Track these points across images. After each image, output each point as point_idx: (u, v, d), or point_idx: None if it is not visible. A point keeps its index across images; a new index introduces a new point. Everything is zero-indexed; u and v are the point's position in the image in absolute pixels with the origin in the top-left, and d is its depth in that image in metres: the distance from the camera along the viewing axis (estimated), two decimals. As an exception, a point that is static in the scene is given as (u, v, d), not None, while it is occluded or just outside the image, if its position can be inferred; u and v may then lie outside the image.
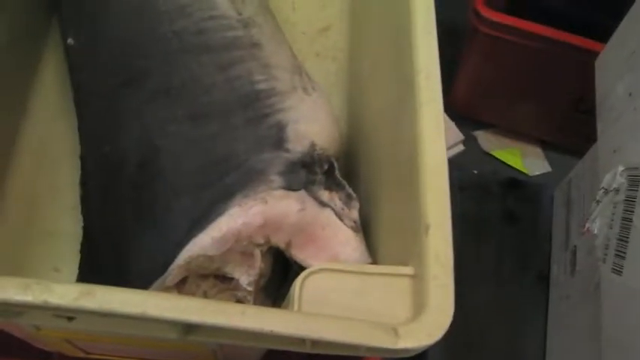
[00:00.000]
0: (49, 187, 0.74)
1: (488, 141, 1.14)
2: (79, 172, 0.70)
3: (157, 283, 0.54)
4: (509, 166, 1.11)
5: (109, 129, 0.65)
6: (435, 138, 0.52)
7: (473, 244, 0.96)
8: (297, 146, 0.60)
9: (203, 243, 0.53)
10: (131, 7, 0.70)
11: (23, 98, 0.80)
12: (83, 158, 0.68)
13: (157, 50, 0.67)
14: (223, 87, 0.63)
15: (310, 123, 0.63)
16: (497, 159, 1.11)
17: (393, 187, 0.59)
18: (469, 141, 1.12)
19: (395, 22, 0.65)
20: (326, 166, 0.61)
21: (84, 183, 0.67)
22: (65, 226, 0.72)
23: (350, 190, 0.60)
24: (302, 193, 0.57)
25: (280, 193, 0.56)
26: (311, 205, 0.57)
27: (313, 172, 0.59)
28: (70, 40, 0.72)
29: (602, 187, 0.71)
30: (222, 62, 0.65)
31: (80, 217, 0.68)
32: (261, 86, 0.64)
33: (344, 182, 0.61)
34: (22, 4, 0.79)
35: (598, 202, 0.72)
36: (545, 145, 1.15)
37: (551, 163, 1.13)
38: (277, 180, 0.57)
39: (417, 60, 0.55)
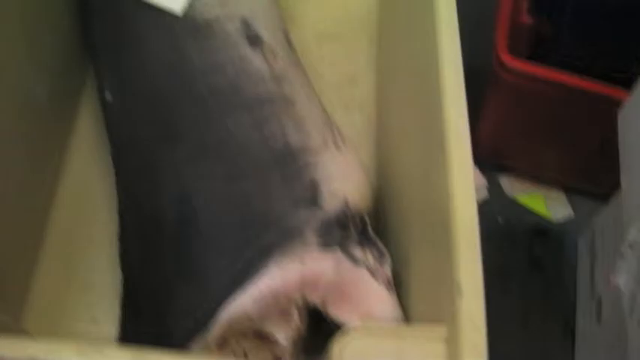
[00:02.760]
0: (87, 240, 0.76)
1: (511, 186, 1.15)
2: (116, 225, 0.72)
3: (198, 340, 0.55)
4: (532, 211, 1.12)
5: (148, 186, 0.67)
6: (467, 198, 0.53)
7: (498, 294, 0.97)
8: (331, 204, 0.61)
9: (243, 302, 0.55)
10: (166, 63, 0.72)
11: (60, 152, 0.82)
12: (121, 213, 0.70)
13: (193, 107, 0.68)
14: (258, 145, 0.65)
15: (343, 181, 0.65)
16: (521, 204, 1.12)
17: (423, 244, 0.61)
18: (492, 185, 1.14)
19: (423, 76, 0.67)
20: (359, 224, 0.62)
21: (123, 239, 0.69)
22: (102, 277, 0.73)
23: (382, 247, 0.62)
24: (337, 251, 0.59)
25: (316, 252, 0.58)
26: (345, 264, 0.59)
27: (347, 230, 0.61)
28: (107, 95, 0.74)
29: (628, 242, 0.72)
30: (256, 119, 0.67)
31: (117, 269, 0.70)
32: (295, 143, 0.66)
33: (376, 239, 0.63)
34: (60, 60, 0.81)
35: (623, 256, 0.73)
36: (569, 190, 1.16)
37: (574, 208, 1.13)
38: (313, 239, 0.59)
39: (448, 120, 0.57)
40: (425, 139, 0.63)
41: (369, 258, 0.60)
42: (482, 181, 1.03)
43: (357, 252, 0.60)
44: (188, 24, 0.72)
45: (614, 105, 0.86)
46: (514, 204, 1.11)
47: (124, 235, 0.69)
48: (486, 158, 1.09)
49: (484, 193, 1.04)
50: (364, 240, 0.62)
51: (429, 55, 0.62)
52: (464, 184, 0.54)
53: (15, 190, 0.72)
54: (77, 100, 0.85)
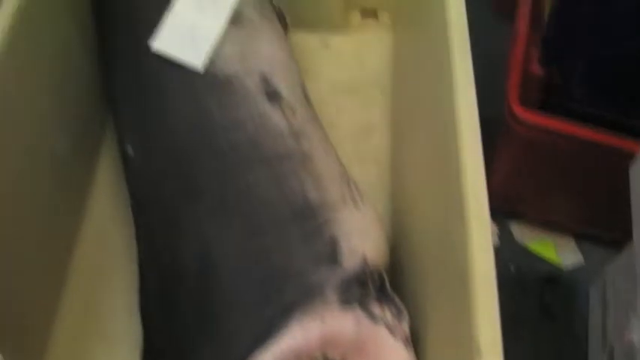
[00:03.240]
0: (107, 290, 0.78)
1: (522, 232, 1.16)
2: (136, 276, 0.73)
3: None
4: (543, 258, 1.13)
5: (168, 240, 0.68)
6: (485, 258, 0.55)
7: (510, 342, 0.98)
8: (350, 262, 0.63)
9: (265, 360, 0.56)
10: (187, 119, 0.73)
11: (80, 201, 0.83)
12: (141, 265, 0.71)
13: (214, 162, 0.70)
14: (278, 201, 0.67)
15: (362, 237, 0.66)
16: (531, 252, 1.13)
17: (441, 300, 0.62)
18: (503, 232, 1.15)
19: (439, 129, 0.68)
20: (377, 280, 0.63)
21: (143, 292, 0.70)
22: (122, 328, 0.75)
23: (400, 304, 0.63)
24: (356, 309, 0.60)
25: (337, 310, 0.59)
26: (365, 321, 0.60)
27: (366, 287, 0.62)
28: (128, 149, 0.76)
29: (642, 299, 0.73)
30: (276, 175, 0.68)
31: (137, 320, 0.71)
32: (314, 199, 0.67)
33: (394, 295, 0.64)
34: (82, 113, 0.83)
35: (637, 312, 0.74)
36: (578, 236, 1.17)
37: (584, 255, 1.14)
38: (333, 297, 0.60)
39: (466, 176, 0.58)
40: (442, 194, 0.64)
41: (388, 315, 0.61)
42: (494, 228, 1.05)
43: (376, 309, 0.61)
44: (209, 80, 0.73)
45: (626, 156, 0.87)
46: (525, 251, 1.12)
47: (144, 288, 0.70)
48: (497, 205, 1.10)
49: (495, 241, 1.05)
50: (382, 297, 0.63)
51: (445, 107, 0.64)
52: (482, 243, 0.55)
53: (36, 241, 0.73)
54: (97, 151, 0.87)
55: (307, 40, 0.97)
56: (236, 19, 0.76)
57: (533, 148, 1.02)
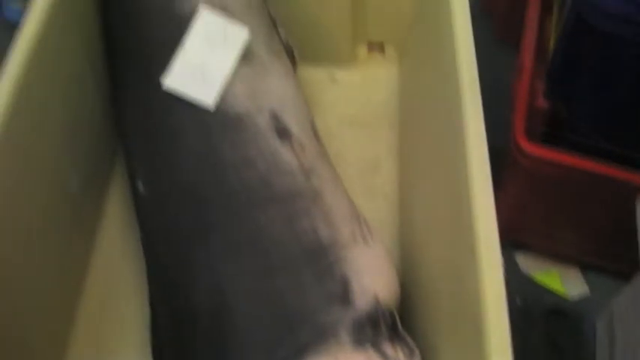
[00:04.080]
0: (116, 326, 0.78)
1: (528, 264, 1.16)
2: (146, 312, 0.73)
3: None
4: (549, 289, 1.13)
5: (181, 279, 0.68)
6: (497, 296, 0.55)
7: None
8: (362, 301, 0.63)
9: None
10: (199, 157, 0.74)
11: (90, 235, 0.84)
12: (153, 303, 0.72)
13: (226, 201, 0.70)
14: (290, 240, 0.67)
15: (373, 276, 0.66)
16: (537, 283, 1.13)
17: (453, 341, 0.62)
18: (509, 263, 1.15)
19: (448, 163, 0.69)
20: (389, 319, 0.64)
21: (155, 330, 0.70)
22: (132, 366, 0.74)
23: (412, 343, 0.63)
24: (369, 349, 0.60)
25: (350, 351, 0.59)
26: (378, 362, 0.60)
27: (378, 327, 0.62)
28: (139, 186, 0.76)
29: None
30: (287, 214, 0.69)
31: (147, 358, 0.71)
32: (325, 238, 0.67)
33: (405, 334, 0.64)
34: (93, 149, 0.84)
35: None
36: (584, 266, 1.17)
37: (590, 285, 1.15)
38: (346, 337, 0.60)
39: (477, 218, 0.59)
40: (452, 229, 0.65)
41: (400, 355, 0.62)
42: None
43: (388, 349, 0.62)
44: (220, 118, 0.74)
45: (631, 189, 0.88)
46: (530, 282, 1.12)
47: (155, 326, 0.70)
48: (502, 236, 1.10)
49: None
50: (394, 336, 0.63)
51: (455, 144, 0.64)
52: (494, 281, 0.55)
53: (47, 275, 0.74)
54: (107, 186, 0.88)
55: (314, 74, 0.97)
56: (246, 56, 0.76)
57: (539, 181, 1.03)
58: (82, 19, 0.80)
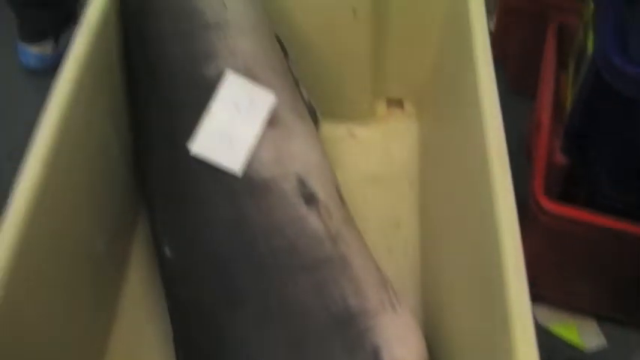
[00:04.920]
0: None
1: (545, 315, 1.16)
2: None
3: None
4: (566, 341, 1.13)
5: (211, 349, 0.68)
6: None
7: None
8: (393, 373, 0.63)
9: None
10: (227, 224, 0.74)
11: (113, 301, 0.84)
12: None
13: (254, 269, 0.70)
14: (319, 309, 0.67)
15: (402, 345, 0.66)
16: (554, 335, 1.13)
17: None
18: (526, 316, 1.14)
19: (475, 221, 0.69)
20: (420, 391, 0.64)
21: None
22: None
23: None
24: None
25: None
26: None
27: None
28: (166, 251, 0.76)
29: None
30: (316, 282, 0.69)
31: None
32: (354, 306, 0.67)
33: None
34: (117, 212, 0.84)
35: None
36: (601, 318, 1.17)
37: (607, 338, 1.14)
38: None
39: (509, 295, 0.58)
40: (482, 295, 0.65)
41: None
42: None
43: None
44: (247, 184, 0.74)
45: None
46: (548, 334, 1.12)
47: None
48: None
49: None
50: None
51: (483, 200, 0.65)
52: (526, 343, 0.55)
53: (69, 340, 0.74)
54: (129, 247, 0.88)
55: (334, 130, 0.98)
56: (272, 120, 0.77)
57: (557, 236, 1.03)
58: (108, 86, 0.81)
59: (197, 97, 0.77)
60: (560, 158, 1.05)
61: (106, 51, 0.80)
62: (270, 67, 0.81)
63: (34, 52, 1.41)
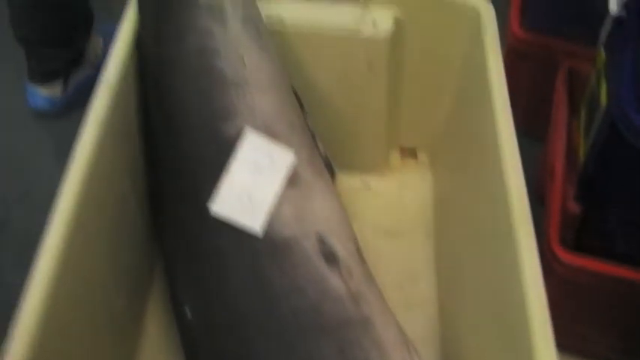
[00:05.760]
0: None
1: (557, 362, 1.15)
2: None
3: None
4: (579, 390, 1.12)
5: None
6: None
7: None
8: None
9: None
10: (248, 284, 0.73)
11: (131, 355, 0.83)
12: None
13: (277, 331, 0.70)
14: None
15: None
16: (568, 383, 1.12)
17: None
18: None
19: (497, 275, 0.69)
20: None
21: None
22: None
23: None
24: None
25: None
26: None
27: None
28: (186, 310, 0.75)
29: None
30: (339, 345, 0.69)
31: None
32: (378, 370, 0.67)
33: None
34: (134, 269, 0.84)
35: None
36: (613, 365, 1.16)
37: (620, 384, 1.14)
38: None
39: (534, 338, 0.59)
40: (504, 343, 0.65)
41: None
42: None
43: None
44: (267, 243, 0.74)
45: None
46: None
47: None
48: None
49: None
50: None
51: (506, 253, 0.65)
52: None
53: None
54: (146, 302, 0.89)
55: (348, 182, 0.98)
56: (291, 179, 0.76)
57: (572, 285, 1.03)
58: (127, 144, 0.81)
59: (216, 155, 0.77)
60: (574, 206, 1.04)
61: (125, 109, 0.80)
62: (289, 124, 0.81)
63: (42, 94, 1.40)
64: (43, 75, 1.38)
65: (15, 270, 1.18)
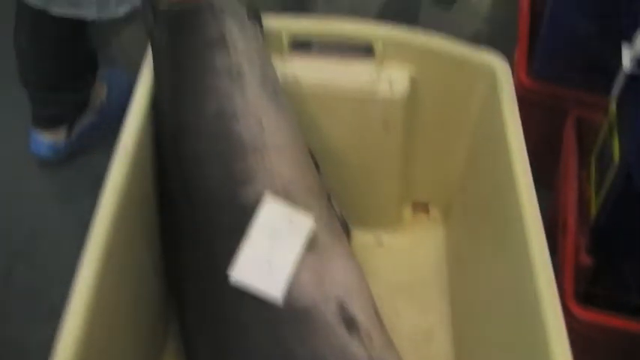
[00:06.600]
0: None
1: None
2: None
3: None
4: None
5: None
6: None
7: None
8: None
9: None
10: (268, 352, 0.73)
11: None
12: None
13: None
14: None
15: None
16: None
17: None
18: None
19: (521, 344, 0.68)
20: None
21: None
22: None
23: None
24: None
25: None
26: None
27: None
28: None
29: None
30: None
31: None
32: None
33: None
34: (149, 334, 0.83)
35: None
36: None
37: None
38: None
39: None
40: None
41: None
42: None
43: None
44: (288, 310, 0.73)
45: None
46: None
47: None
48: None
49: None
50: None
51: (528, 311, 0.65)
52: None
53: None
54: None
55: (361, 238, 0.97)
56: (310, 245, 0.76)
57: (588, 341, 1.02)
58: (146, 211, 0.80)
59: (235, 220, 0.77)
60: (586, 259, 1.04)
61: (143, 175, 0.79)
62: (307, 187, 0.81)
63: (46, 140, 1.39)
64: (47, 121, 1.37)
65: (20, 323, 1.17)
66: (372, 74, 0.89)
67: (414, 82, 0.89)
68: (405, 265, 0.99)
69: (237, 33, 0.82)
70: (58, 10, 1.11)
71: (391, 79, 0.89)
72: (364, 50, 0.91)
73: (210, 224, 0.78)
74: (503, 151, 0.78)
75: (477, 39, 1.68)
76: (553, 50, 1.23)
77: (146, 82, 0.82)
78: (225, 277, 0.73)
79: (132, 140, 0.77)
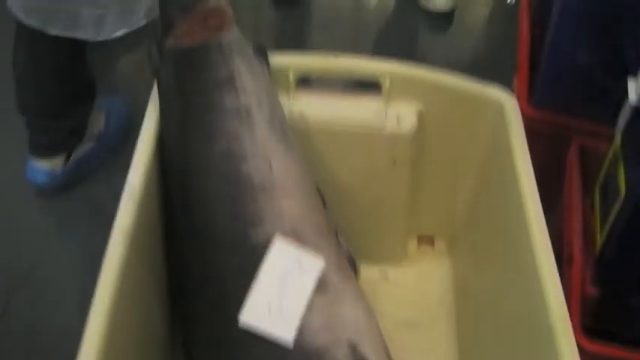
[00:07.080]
0: None
1: None
2: None
3: None
4: None
5: None
6: None
7: None
8: None
9: None
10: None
11: None
12: None
13: None
14: None
15: None
16: None
17: None
18: None
19: None
20: None
21: None
22: None
23: None
24: None
25: None
26: None
27: None
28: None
29: None
30: None
31: None
32: None
33: None
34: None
35: None
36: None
37: None
38: None
39: None
40: None
41: None
42: None
43: None
44: (299, 354, 0.73)
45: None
46: None
47: None
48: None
49: None
50: None
51: (542, 345, 0.64)
52: None
53: None
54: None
55: (366, 273, 0.96)
56: (320, 286, 0.75)
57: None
58: (153, 254, 0.80)
59: (245, 262, 0.76)
60: (592, 290, 1.04)
61: (150, 216, 0.78)
62: (316, 226, 0.80)
63: (43, 168, 1.37)
64: (45, 148, 1.36)
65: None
66: (380, 110, 0.89)
67: (421, 117, 0.89)
68: (411, 299, 0.98)
69: (245, 72, 0.81)
70: (55, 30, 1.10)
71: (399, 114, 0.88)
72: (366, 85, 0.91)
73: (220, 265, 0.77)
74: (513, 184, 0.78)
75: (476, 61, 1.68)
76: (554, 79, 1.23)
77: (152, 120, 0.81)
78: (235, 318, 0.73)
79: (138, 181, 0.76)
